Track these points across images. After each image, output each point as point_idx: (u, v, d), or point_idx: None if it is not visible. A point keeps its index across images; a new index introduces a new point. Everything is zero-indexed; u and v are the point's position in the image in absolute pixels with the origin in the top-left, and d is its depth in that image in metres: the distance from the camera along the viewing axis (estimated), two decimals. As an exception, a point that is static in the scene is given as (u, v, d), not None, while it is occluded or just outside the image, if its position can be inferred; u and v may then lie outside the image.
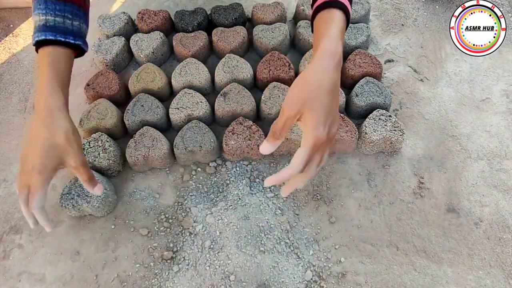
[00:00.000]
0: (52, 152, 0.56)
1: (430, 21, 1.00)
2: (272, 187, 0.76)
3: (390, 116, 0.78)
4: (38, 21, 0.60)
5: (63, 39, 0.60)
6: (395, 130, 0.76)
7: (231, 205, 0.74)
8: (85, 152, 0.76)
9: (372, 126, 0.77)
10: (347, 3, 0.57)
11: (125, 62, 0.94)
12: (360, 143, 0.79)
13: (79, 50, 0.65)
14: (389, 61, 0.93)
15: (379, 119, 0.78)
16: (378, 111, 0.79)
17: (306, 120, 0.49)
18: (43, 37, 0.59)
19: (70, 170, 0.58)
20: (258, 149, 0.76)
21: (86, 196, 0.71)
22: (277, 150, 0.79)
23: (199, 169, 0.79)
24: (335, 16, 0.55)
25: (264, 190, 0.76)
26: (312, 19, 0.59)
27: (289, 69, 0.84)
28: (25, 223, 0.75)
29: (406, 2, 1.04)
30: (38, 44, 0.60)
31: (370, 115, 0.78)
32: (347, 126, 0.77)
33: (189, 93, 0.81)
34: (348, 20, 0.57)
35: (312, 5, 0.60)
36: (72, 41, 0.62)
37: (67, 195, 0.72)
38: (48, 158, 0.56)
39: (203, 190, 0.76)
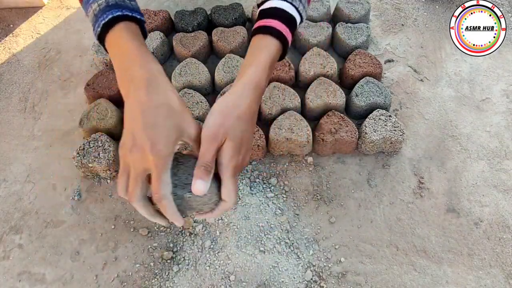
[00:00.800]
0: (170, 121, 0.46)
1: (430, 21, 1.00)
2: (273, 187, 0.76)
3: (390, 116, 0.78)
4: (97, 7, 0.54)
5: (130, 14, 0.53)
6: (395, 130, 0.76)
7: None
8: (85, 152, 0.76)
9: (372, 126, 0.77)
10: (286, 31, 0.55)
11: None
12: (360, 143, 0.79)
13: (142, 30, 0.57)
14: (389, 61, 0.93)
15: (379, 119, 0.78)
16: (378, 111, 0.79)
17: (225, 150, 0.48)
18: (110, 16, 0.52)
19: (187, 143, 0.48)
20: (258, 149, 0.76)
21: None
22: (277, 150, 0.79)
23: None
24: (268, 44, 0.53)
25: (264, 190, 0.76)
26: (250, 38, 0.57)
27: (289, 69, 0.84)
28: (25, 223, 0.75)
29: (406, 2, 1.04)
30: (106, 27, 0.52)
31: (370, 115, 0.78)
32: (347, 126, 0.77)
33: (189, 93, 0.81)
34: (285, 48, 0.55)
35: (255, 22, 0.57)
36: (138, 17, 0.55)
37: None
38: (167, 129, 0.45)
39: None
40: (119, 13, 0.52)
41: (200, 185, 0.46)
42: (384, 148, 0.79)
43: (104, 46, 0.55)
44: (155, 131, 0.45)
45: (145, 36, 0.57)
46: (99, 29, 0.53)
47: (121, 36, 0.52)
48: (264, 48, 0.53)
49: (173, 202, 0.46)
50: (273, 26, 0.54)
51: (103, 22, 0.52)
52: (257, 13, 0.58)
